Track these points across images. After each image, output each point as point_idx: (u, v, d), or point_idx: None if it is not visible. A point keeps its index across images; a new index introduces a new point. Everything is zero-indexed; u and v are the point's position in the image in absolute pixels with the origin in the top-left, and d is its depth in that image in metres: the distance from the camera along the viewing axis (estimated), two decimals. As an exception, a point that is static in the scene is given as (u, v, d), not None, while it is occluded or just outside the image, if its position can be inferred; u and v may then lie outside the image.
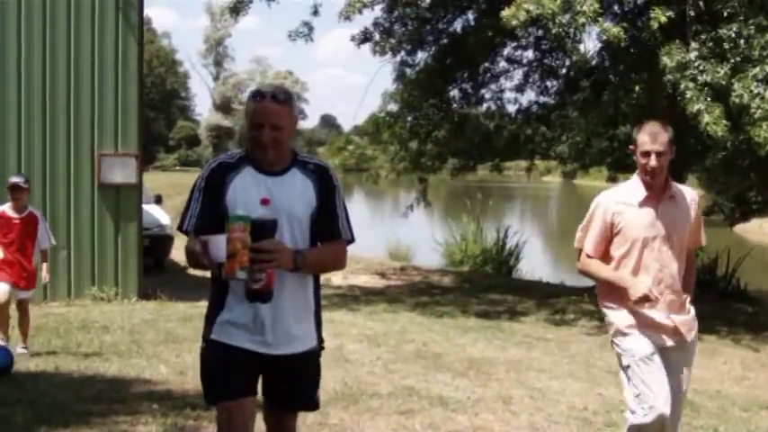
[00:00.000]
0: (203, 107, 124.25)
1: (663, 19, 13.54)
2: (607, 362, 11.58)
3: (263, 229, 4.60)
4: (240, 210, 4.69)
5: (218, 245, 4.51)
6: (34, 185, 14.92)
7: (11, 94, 15.33)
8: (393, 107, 20.80)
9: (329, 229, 4.96)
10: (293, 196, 4.86)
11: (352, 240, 5.01)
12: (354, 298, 16.88)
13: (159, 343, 11.80)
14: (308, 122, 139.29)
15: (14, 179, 11.12)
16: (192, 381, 9.62)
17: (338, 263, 5.13)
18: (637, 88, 15.95)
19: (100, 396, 8.92)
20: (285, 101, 4.83)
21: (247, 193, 4.80)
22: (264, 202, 4.73)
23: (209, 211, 4.84)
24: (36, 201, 15.19)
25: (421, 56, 20.51)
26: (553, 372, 10.87)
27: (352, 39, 19.51)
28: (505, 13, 13.55)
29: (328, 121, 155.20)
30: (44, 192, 15.44)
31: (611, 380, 10.47)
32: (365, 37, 19.37)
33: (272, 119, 4.77)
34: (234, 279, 4.55)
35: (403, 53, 20.18)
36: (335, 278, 19.84)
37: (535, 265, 24.76)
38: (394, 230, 27.92)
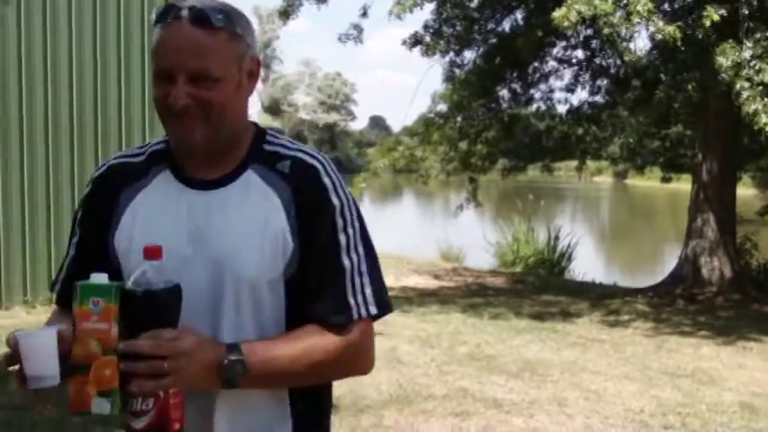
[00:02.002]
0: (253, 109, 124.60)
1: (715, 17, 13.40)
2: (663, 363, 11.52)
3: (150, 309, 2.35)
4: (130, 265, 2.56)
5: (39, 349, 2.28)
6: (63, 191, 15.08)
7: (63, 94, 15.43)
8: (442, 108, 20.76)
9: (324, 297, 2.60)
10: (240, 233, 2.58)
11: (381, 314, 2.67)
12: (407, 299, 16.85)
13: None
14: (358, 123, 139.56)
15: None
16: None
17: (342, 368, 2.70)
18: (690, 87, 15.80)
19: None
20: (222, 25, 2.53)
21: (152, 226, 2.63)
22: (152, 253, 2.38)
23: (87, 262, 2.59)
24: (65, 216, 15.29)
25: (469, 56, 20.50)
26: (608, 373, 10.79)
27: (404, 42, 19.53)
28: (556, 14, 13.48)
29: (377, 123, 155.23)
30: (73, 198, 15.47)
31: (667, 381, 10.42)
32: (416, 40, 19.39)
33: (190, 60, 2.49)
34: (83, 415, 2.49)
35: (452, 54, 20.17)
36: (387, 279, 19.85)
37: (587, 265, 24.60)
38: (445, 231, 27.83)
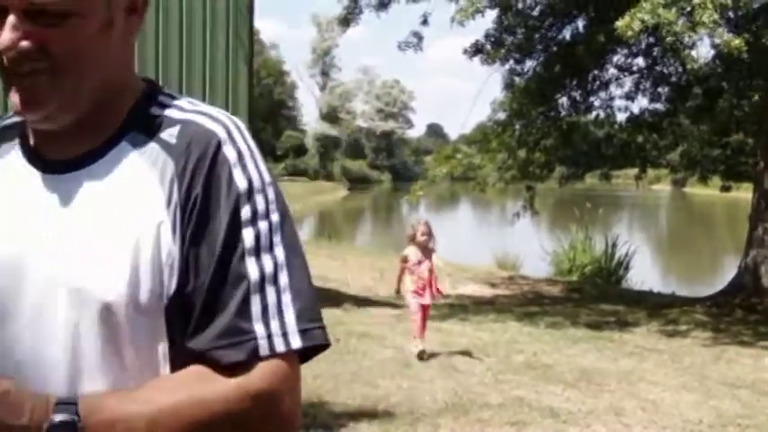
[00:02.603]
0: (310, 117, 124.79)
1: (781, 24, 13.28)
2: (722, 374, 11.38)
3: None
4: None
5: None
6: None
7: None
8: (501, 116, 20.70)
9: (215, 324, 1.73)
10: (97, 236, 1.76)
11: (307, 347, 1.78)
12: (463, 307, 16.81)
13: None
14: (415, 131, 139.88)
15: None
16: (303, 390, 9.68)
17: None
18: (756, 97, 15.62)
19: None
20: None
21: None
22: None
23: None
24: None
25: (530, 64, 20.42)
26: (666, 383, 10.68)
27: (465, 51, 19.51)
28: (620, 23, 13.40)
29: (435, 130, 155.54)
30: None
31: (726, 392, 10.29)
32: (477, 48, 19.36)
33: None
34: None
35: (512, 62, 20.11)
36: (444, 287, 19.84)
37: (645, 275, 24.41)
38: (501, 239, 27.77)
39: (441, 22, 17.02)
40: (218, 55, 15.88)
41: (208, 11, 15.78)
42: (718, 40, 13.63)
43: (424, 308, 11.98)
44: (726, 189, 22.78)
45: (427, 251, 11.81)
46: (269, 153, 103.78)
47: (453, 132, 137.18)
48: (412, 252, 11.73)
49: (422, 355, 11.48)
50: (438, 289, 12.10)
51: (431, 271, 11.76)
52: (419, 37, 19.09)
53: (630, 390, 10.24)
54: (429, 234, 11.78)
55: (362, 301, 17.52)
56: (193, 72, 15.82)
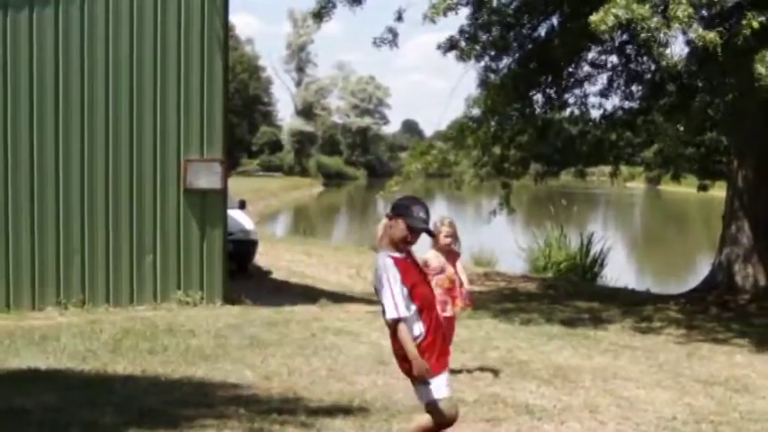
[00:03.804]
0: (286, 112, 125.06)
1: (755, 24, 13.30)
2: (696, 371, 11.44)
3: None
4: None
5: None
6: (121, 190, 15.21)
7: (99, 100, 15.51)
8: (476, 112, 20.69)
9: None
10: None
11: None
12: (438, 304, 16.84)
13: (244, 347, 11.87)
14: (390, 127, 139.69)
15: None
16: (277, 386, 9.69)
17: None
18: (731, 96, 15.66)
19: (187, 400, 9.00)
20: None
21: None
22: None
23: None
24: (123, 206, 15.45)
25: (505, 61, 20.41)
26: (640, 380, 10.72)
27: (439, 47, 19.50)
28: (594, 18, 13.41)
29: (410, 127, 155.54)
30: (131, 197, 15.60)
31: (700, 389, 10.35)
32: (451, 45, 19.34)
33: None
34: None
35: (487, 59, 20.09)
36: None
37: (619, 272, 24.51)
38: (477, 236, 27.81)
39: (416, 19, 17.04)
40: (192, 49, 15.84)
41: (182, 5, 15.74)
42: (692, 35, 13.64)
43: (448, 321, 9.95)
44: (703, 188, 22.89)
45: (451, 255, 10.30)
46: (244, 148, 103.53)
47: (429, 129, 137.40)
48: (433, 256, 10.10)
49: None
50: (468, 299, 10.62)
51: (453, 279, 10.23)
52: (394, 33, 19.03)
53: (605, 386, 10.28)
54: (453, 236, 10.20)
55: (339, 298, 17.51)
56: (168, 67, 15.78)
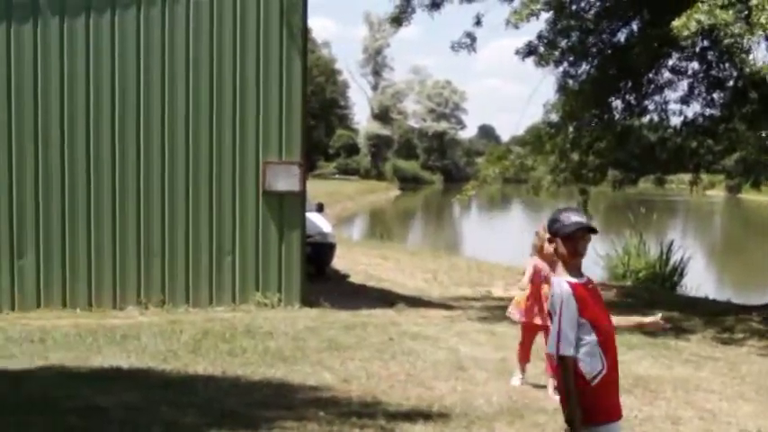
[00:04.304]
0: (362, 116, 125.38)
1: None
2: (779, 383, 11.24)
3: None
4: None
5: None
6: (201, 193, 15.35)
7: (179, 104, 15.69)
8: (554, 118, 20.59)
9: None
10: None
11: None
12: (516, 310, 16.77)
13: (322, 350, 11.91)
14: (467, 132, 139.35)
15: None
16: (356, 389, 9.71)
17: None
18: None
19: (267, 401, 9.06)
20: None
21: None
22: None
23: None
24: (203, 208, 15.60)
25: (584, 67, 20.28)
26: (722, 392, 10.57)
27: (517, 52, 19.43)
28: (676, 23, 13.29)
29: (486, 132, 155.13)
30: (211, 199, 15.77)
31: (785, 403, 10.17)
32: (530, 50, 19.26)
33: None
34: None
35: (566, 64, 19.98)
36: (497, 289, 19.82)
37: (700, 281, 24.21)
38: (554, 243, 27.62)
39: (493, 23, 16.97)
40: (271, 52, 15.94)
41: (262, 8, 15.84)
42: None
43: (536, 329, 10.41)
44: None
45: (554, 265, 10.18)
46: (320, 151, 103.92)
47: (505, 134, 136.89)
48: (540, 263, 10.11)
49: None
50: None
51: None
52: (472, 38, 19.04)
53: (687, 398, 10.15)
54: None
55: (416, 302, 17.50)
56: (247, 70, 15.91)
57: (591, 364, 5.47)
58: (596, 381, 5.49)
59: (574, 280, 5.61)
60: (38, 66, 15.23)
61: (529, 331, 10.48)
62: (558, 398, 5.87)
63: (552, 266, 9.45)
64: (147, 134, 15.56)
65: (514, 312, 10.56)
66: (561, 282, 5.60)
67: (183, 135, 15.71)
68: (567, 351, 5.41)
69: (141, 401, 8.87)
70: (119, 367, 10.57)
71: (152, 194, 15.58)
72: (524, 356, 10.58)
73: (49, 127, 15.27)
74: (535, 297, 10.20)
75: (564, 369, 5.46)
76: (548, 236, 5.83)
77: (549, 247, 9.22)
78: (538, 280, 10.13)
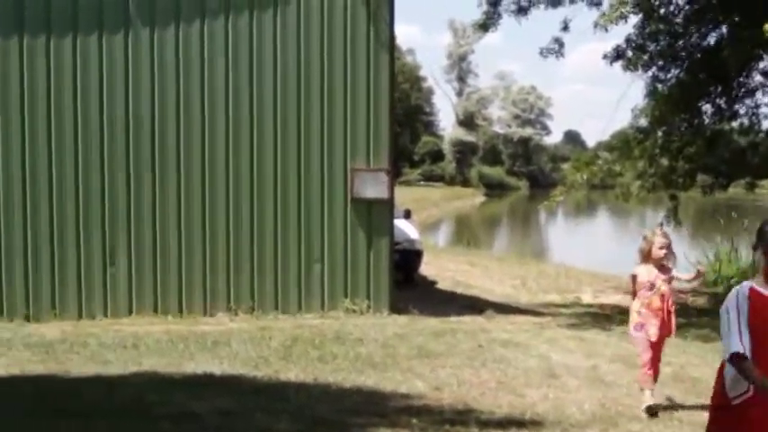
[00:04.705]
0: (447, 122, 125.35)
1: None
2: None
3: None
4: None
5: None
6: (289, 200, 15.49)
7: (267, 111, 15.84)
8: (643, 123, 20.43)
9: None
10: None
11: None
12: (606, 317, 16.64)
13: (413, 357, 11.93)
14: (552, 138, 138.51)
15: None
16: (448, 396, 9.72)
17: None
18: None
19: (358, 409, 9.11)
20: None
21: None
22: None
23: None
24: (292, 215, 15.73)
25: (673, 71, 20.11)
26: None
27: (605, 57, 19.39)
28: (768, 25, 13.14)
29: (572, 137, 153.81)
30: (299, 206, 15.89)
31: None
32: (617, 54, 19.17)
33: None
34: None
35: (655, 68, 19.84)
36: (586, 296, 19.69)
37: (793, 287, 23.76)
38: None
39: (580, 28, 16.96)
40: (358, 60, 16.03)
41: (349, 15, 15.94)
42: None
43: (653, 346, 9.59)
44: None
45: (664, 270, 9.50)
46: (406, 158, 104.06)
47: (591, 139, 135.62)
48: (643, 271, 9.48)
49: (653, 412, 9.26)
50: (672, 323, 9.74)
51: (664, 297, 9.49)
52: (560, 43, 19.05)
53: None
54: (668, 247, 9.40)
55: (504, 309, 17.45)
56: (335, 77, 16.01)
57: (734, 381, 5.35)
58: (748, 397, 5.34)
59: (760, 289, 5.42)
60: (129, 75, 15.48)
61: (657, 345, 9.69)
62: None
63: (663, 270, 9.35)
64: (235, 142, 15.74)
65: (638, 334, 9.65)
66: (745, 284, 5.49)
67: (271, 143, 15.86)
68: (738, 348, 5.21)
69: (235, 407, 8.98)
70: (211, 373, 10.71)
71: (241, 202, 15.75)
72: (655, 372, 9.70)
73: (139, 138, 15.51)
74: (652, 308, 9.46)
75: (738, 364, 5.24)
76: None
77: (657, 251, 9.13)
78: (644, 291, 9.46)
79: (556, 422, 8.74)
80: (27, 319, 15.06)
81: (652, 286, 9.39)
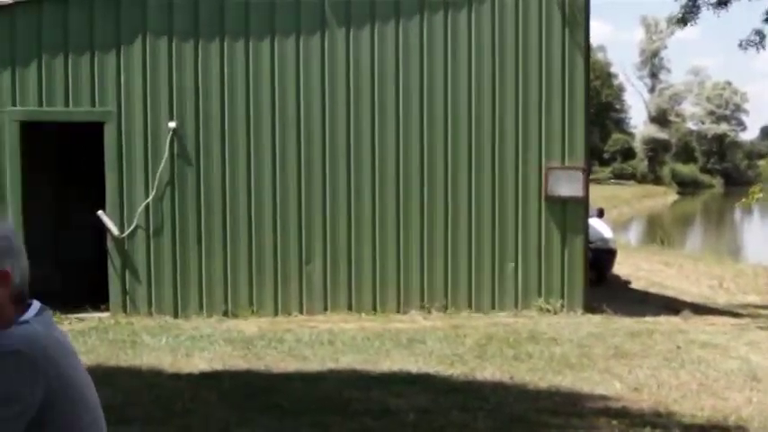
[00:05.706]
0: (638, 119, 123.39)
1: None
2: None
3: None
4: None
5: None
6: (484, 198, 15.46)
7: (463, 110, 15.85)
8: None
9: None
10: None
11: None
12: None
13: (609, 357, 11.77)
14: (748, 134, 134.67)
15: None
16: (647, 398, 9.53)
17: None
18: None
19: (557, 409, 9.04)
20: None
21: None
22: None
23: None
24: (485, 214, 15.70)
25: None
26: None
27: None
28: None
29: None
30: (493, 205, 15.85)
31: None
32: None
33: None
34: None
35: None
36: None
37: None
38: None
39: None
40: (553, 57, 15.91)
41: (544, 13, 15.84)
42: None
43: None
44: None
45: None
46: (596, 156, 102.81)
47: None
48: None
49: None
50: None
51: None
52: (761, 35, 18.43)
53: None
54: None
55: (701, 309, 17.01)
56: (529, 75, 15.93)
57: None
58: None
59: None
60: (324, 77, 15.70)
61: None
62: None
63: None
64: (430, 140, 15.80)
65: None
66: None
67: (465, 142, 15.87)
68: None
69: (432, 405, 9.03)
70: (408, 371, 10.78)
71: (435, 200, 15.81)
72: None
73: (335, 136, 15.71)
74: None
75: None
76: None
77: None
78: None
79: (761, 428, 8.48)
80: (225, 314, 15.43)
81: None
